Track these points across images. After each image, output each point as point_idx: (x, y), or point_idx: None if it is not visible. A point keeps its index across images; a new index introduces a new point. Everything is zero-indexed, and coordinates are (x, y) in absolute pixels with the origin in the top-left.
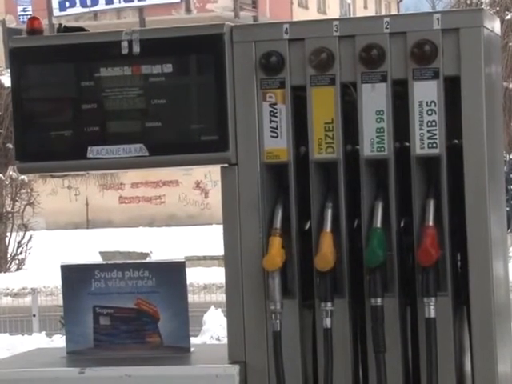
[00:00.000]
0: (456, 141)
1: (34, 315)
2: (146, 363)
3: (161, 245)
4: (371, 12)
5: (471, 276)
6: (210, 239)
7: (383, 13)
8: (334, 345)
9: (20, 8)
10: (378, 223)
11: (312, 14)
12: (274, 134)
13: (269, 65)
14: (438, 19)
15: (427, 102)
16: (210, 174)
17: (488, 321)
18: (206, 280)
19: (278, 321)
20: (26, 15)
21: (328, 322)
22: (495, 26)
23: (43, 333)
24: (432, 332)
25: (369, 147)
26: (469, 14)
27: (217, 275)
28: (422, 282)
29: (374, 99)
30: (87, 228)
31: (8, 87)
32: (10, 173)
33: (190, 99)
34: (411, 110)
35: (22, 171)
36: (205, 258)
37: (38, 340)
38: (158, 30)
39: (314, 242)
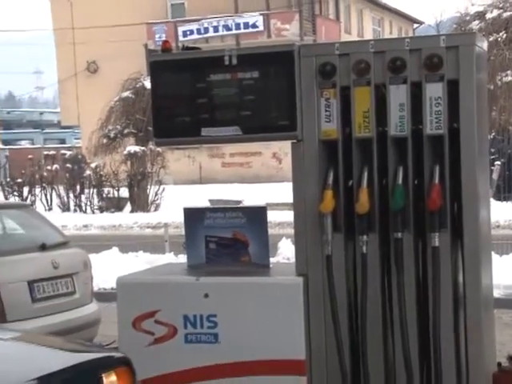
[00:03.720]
0: (455, 124)
1: (166, 241)
2: (240, 275)
3: (249, 195)
4: (394, 36)
5: (464, 218)
6: (283, 192)
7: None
8: (368, 265)
9: (157, 35)
10: (400, 181)
11: (354, 38)
12: (328, 120)
13: (325, 72)
14: (443, 39)
15: (435, 98)
16: (283, 148)
17: (475, 248)
18: (280, 219)
19: (329, 248)
20: (161, 40)
21: (364, 249)
22: (484, 44)
23: (172, 253)
24: (436, 256)
25: (394, 129)
26: (465, 36)
27: (287, 216)
28: (429, 221)
29: (398, 96)
30: (200, 184)
31: (148, 88)
32: (150, 146)
33: (270, 95)
34: (424, 103)
35: (158, 145)
36: (279, 204)
37: (168, 258)
38: (249, 48)
39: (355, 194)
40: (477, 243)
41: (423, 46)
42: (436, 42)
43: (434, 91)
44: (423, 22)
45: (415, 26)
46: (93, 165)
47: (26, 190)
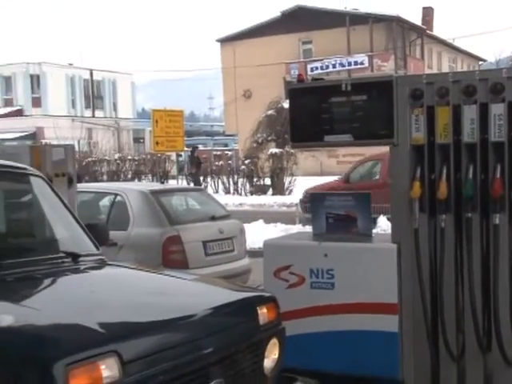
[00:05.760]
0: None
1: (297, 216)
2: (351, 241)
3: None
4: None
5: None
6: None
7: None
8: (445, 237)
9: (292, 71)
10: (470, 175)
11: (434, 72)
12: (417, 130)
13: (415, 95)
14: (504, 71)
15: (498, 114)
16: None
17: None
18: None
19: (416, 223)
20: (295, 74)
21: (442, 224)
22: None
23: (300, 224)
24: (497, 231)
25: (466, 137)
26: None
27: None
28: (492, 205)
29: (470, 113)
30: (321, 176)
31: (286, 108)
32: (286, 149)
33: (375, 112)
34: (489, 118)
35: (293, 147)
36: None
37: (298, 228)
38: (360, 78)
39: (436, 184)
40: None
41: (489, 76)
42: (499, 73)
43: (497, 110)
44: (486, 60)
45: (480, 63)
46: (246, 161)
47: (201, 178)
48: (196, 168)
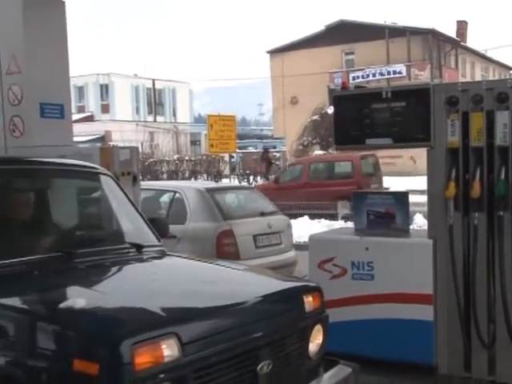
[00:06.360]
0: None
1: (338, 213)
2: (390, 236)
3: (393, 184)
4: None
5: None
6: (417, 183)
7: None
8: (478, 233)
9: (335, 79)
10: (502, 176)
11: (468, 80)
12: (452, 134)
13: (451, 102)
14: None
15: None
16: (418, 153)
17: None
18: (415, 200)
19: (451, 220)
20: (339, 83)
21: (476, 221)
22: None
23: (342, 220)
24: None
25: (498, 140)
26: None
27: (420, 198)
28: None
29: (502, 118)
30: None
31: (329, 114)
32: (329, 151)
33: (413, 117)
34: None
35: (337, 149)
36: (414, 190)
37: (340, 224)
38: (399, 86)
39: (470, 184)
40: None
41: None
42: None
43: None
44: None
45: (511, 72)
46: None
47: (251, 178)
48: (267, 168)
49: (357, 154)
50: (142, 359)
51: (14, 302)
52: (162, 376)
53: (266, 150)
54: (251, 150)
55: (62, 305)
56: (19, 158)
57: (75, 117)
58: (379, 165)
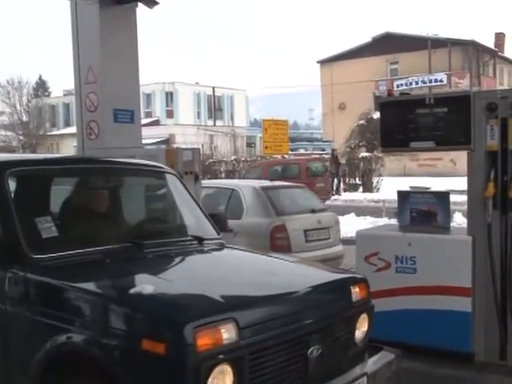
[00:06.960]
0: None
1: (383, 210)
2: (431, 233)
3: (434, 185)
4: None
5: None
6: (457, 183)
7: None
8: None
9: (381, 87)
10: None
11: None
12: (491, 138)
13: (490, 108)
14: None
15: None
16: (457, 155)
17: None
18: (455, 200)
19: (490, 219)
20: (384, 90)
21: (510, 221)
22: None
23: (386, 217)
24: None
25: None
26: None
27: (460, 198)
28: None
29: None
30: (404, 177)
31: (375, 119)
32: (374, 153)
33: (454, 122)
34: None
35: (382, 152)
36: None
37: (384, 221)
38: (442, 93)
39: (508, 185)
40: None
41: None
42: None
43: None
44: None
45: None
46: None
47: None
48: (336, 168)
49: (304, 158)
50: (204, 341)
51: (91, 286)
52: (221, 357)
53: (333, 151)
54: (302, 152)
55: (133, 290)
56: (95, 158)
57: (143, 121)
58: (327, 167)
